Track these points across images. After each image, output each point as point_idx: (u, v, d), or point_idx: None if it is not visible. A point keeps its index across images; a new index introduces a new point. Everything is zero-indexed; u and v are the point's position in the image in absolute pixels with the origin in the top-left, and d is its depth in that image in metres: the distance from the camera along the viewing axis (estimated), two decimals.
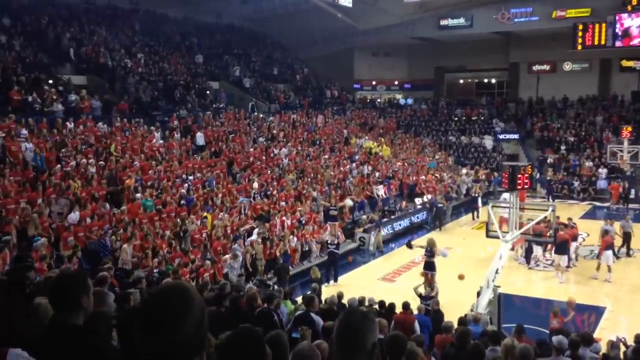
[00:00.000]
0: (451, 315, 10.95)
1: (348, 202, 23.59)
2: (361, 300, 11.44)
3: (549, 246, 18.87)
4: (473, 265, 18.84)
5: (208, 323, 1.73)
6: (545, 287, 17.81)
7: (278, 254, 17.96)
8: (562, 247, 17.88)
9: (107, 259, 13.47)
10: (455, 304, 13.65)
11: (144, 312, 1.66)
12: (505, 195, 23.51)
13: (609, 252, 18.23)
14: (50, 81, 22.15)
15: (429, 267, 16.58)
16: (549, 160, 34.72)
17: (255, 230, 18.31)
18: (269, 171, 23.83)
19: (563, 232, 18.27)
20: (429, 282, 15.64)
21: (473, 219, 26.82)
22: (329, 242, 18.69)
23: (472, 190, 30.25)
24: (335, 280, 17.71)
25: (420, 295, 13.75)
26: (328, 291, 14.04)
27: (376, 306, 11.53)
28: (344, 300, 11.17)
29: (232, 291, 9.23)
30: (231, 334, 2.35)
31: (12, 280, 4.63)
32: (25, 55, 23.14)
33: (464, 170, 33.58)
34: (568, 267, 18.70)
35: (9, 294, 4.21)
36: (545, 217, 14.92)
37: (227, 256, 16.23)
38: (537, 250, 19.15)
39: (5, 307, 3.09)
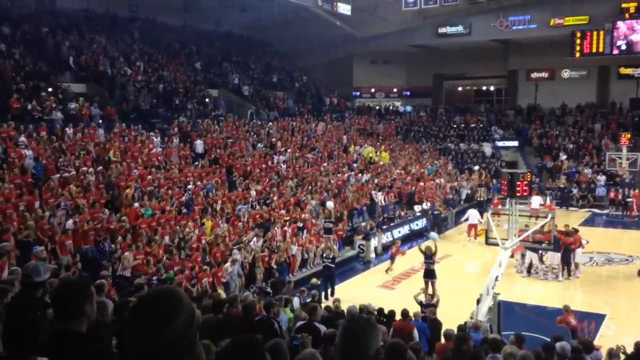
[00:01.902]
0: (451, 323, 10.93)
1: (329, 203, 22.78)
2: (362, 308, 11.43)
3: (544, 254, 18.78)
4: (473, 273, 18.85)
5: (199, 328, 1.78)
6: (545, 295, 17.80)
7: (274, 265, 17.72)
8: (558, 246, 17.96)
9: (106, 265, 13.47)
10: (455, 312, 13.63)
11: (132, 313, 1.73)
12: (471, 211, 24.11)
13: (580, 250, 18.89)
14: (50, 89, 22.16)
15: (429, 274, 16.56)
16: (565, 168, 34.55)
17: (255, 238, 18.27)
18: (267, 179, 23.78)
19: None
20: (432, 290, 15.71)
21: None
22: (324, 255, 18.34)
23: (477, 194, 30.42)
24: (332, 295, 16.58)
25: (420, 303, 13.74)
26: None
27: (375, 313, 11.51)
28: (343, 308, 11.15)
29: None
30: (231, 342, 2.35)
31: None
32: (24, 63, 23.17)
33: (473, 174, 33.90)
34: (569, 273, 18.72)
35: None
36: (542, 227, 14.96)
37: (227, 264, 16.21)
38: (533, 258, 19.01)
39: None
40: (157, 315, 1.69)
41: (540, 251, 17.97)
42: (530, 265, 19.08)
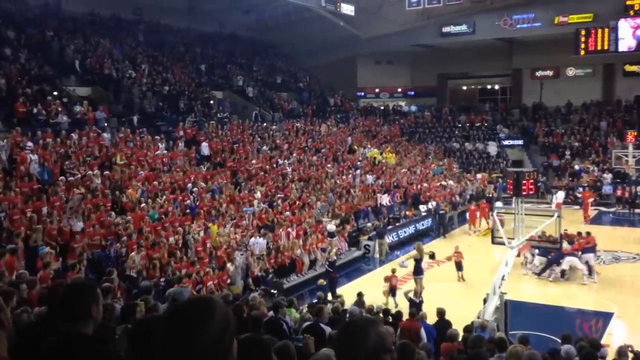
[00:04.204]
0: (458, 323, 10.92)
1: (330, 226, 21.24)
2: (370, 309, 11.46)
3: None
4: (479, 272, 18.79)
5: (233, 335, 1.77)
6: (552, 294, 17.72)
7: (258, 272, 16.94)
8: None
9: (111, 268, 13.50)
10: (462, 311, 13.61)
11: (166, 322, 1.73)
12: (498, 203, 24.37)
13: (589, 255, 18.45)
14: (55, 93, 22.23)
15: (416, 271, 16.97)
16: (584, 166, 33.97)
17: (259, 240, 18.26)
18: (271, 182, 23.74)
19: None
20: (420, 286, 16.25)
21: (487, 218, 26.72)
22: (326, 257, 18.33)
23: (486, 190, 30.49)
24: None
25: (410, 300, 14.17)
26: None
27: (380, 314, 11.52)
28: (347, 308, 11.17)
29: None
30: (240, 342, 2.35)
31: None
32: (30, 67, 23.26)
33: (479, 176, 33.79)
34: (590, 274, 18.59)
35: None
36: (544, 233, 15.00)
37: (229, 265, 16.24)
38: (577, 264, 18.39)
39: None
40: (188, 325, 1.68)
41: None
42: (545, 268, 18.87)
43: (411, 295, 14.62)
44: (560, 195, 27.76)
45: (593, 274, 18.22)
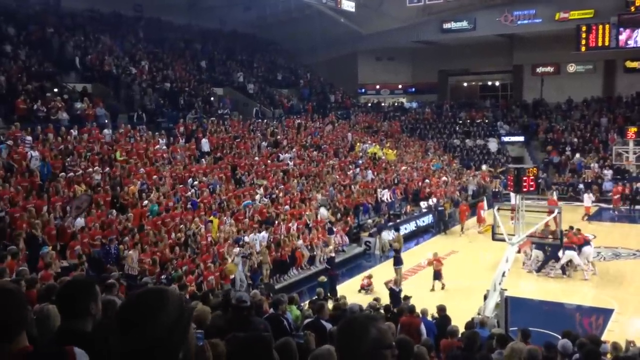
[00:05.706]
0: (458, 319, 10.93)
1: (322, 210, 21.77)
2: (373, 305, 11.49)
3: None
4: (479, 269, 18.80)
5: (188, 324, 1.78)
6: (553, 290, 17.74)
7: (247, 272, 16.85)
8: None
9: (112, 266, 13.50)
10: (462, 308, 13.62)
11: (118, 313, 1.76)
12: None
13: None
14: (56, 90, 22.21)
15: (396, 262, 17.70)
16: (589, 162, 33.77)
17: (259, 235, 18.27)
18: (272, 175, 23.77)
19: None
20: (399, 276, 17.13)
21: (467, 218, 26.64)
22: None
23: (492, 185, 30.66)
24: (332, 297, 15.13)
25: (390, 289, 14.70)
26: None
27: (381, 310, 11.54)
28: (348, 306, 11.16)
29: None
30: (241, 339, 2.36)
31: None
32: (30, 64, 23.23)
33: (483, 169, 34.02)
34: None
35: None
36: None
37: (229, 257, 16.28)
38: (574, 258, 18.20)
39: None
40: (140, 314, 1.71)
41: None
42: (544, 263, 18.86)
43: (391, 285, 15.22)
44: (587, 198, 27.33)
45: (592, 266, 18.37)
